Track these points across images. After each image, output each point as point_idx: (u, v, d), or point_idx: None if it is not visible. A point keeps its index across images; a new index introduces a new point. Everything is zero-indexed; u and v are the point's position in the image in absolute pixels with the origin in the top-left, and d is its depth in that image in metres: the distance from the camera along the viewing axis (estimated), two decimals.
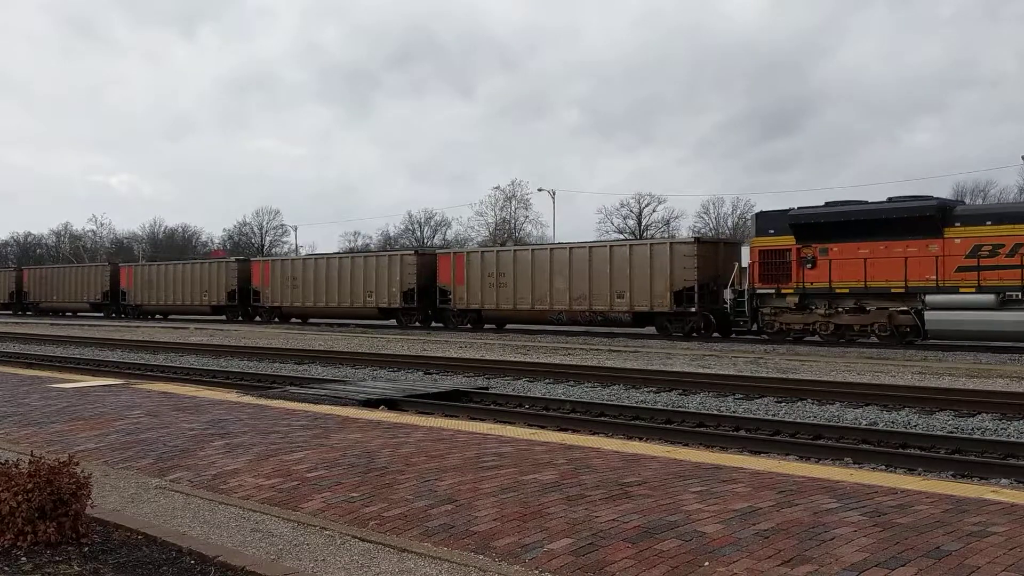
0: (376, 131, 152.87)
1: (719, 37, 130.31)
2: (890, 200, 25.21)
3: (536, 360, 20.57)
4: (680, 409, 12.69)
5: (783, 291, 26.30)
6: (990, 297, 22.45)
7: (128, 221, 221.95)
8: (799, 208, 26.60)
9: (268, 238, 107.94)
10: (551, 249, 34.19)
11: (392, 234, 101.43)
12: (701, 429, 11.04)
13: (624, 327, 31.92)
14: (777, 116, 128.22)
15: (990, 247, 22.83)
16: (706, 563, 4.57)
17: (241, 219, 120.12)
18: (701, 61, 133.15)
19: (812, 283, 25.67)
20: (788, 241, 26.20)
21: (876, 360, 20.36)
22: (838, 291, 25.22)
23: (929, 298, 23.57)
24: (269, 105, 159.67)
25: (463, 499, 6.02)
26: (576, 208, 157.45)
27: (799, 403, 13.24)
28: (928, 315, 23.59)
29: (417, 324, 38.27)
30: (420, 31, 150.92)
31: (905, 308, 24.28)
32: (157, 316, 51.61)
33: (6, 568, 4.69)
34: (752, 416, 12.01)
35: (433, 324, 38.28)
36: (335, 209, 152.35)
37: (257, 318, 45.34)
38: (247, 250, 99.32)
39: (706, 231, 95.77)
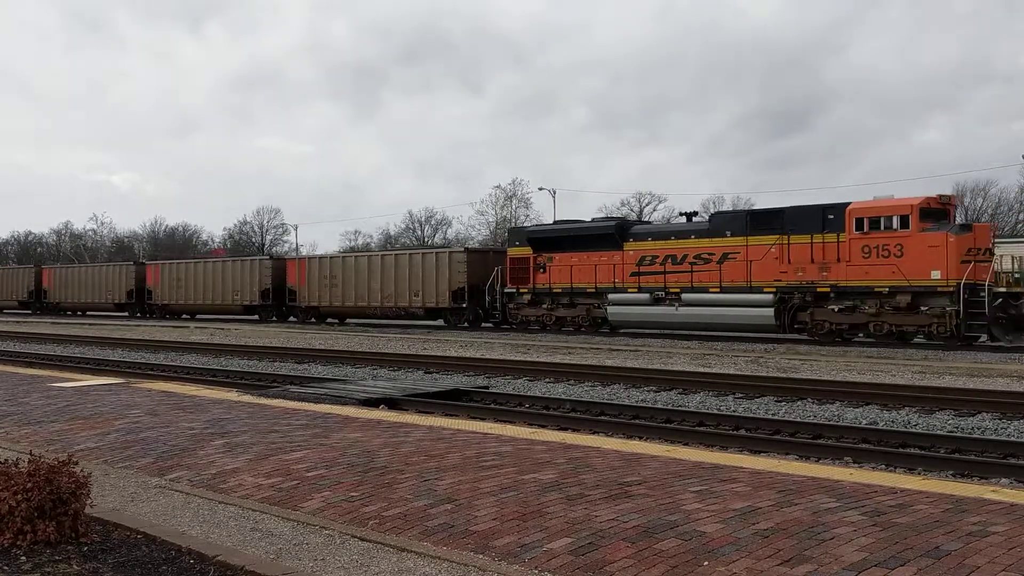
0: (383, 129, 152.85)
1: (733, 33, 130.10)
2: (593, 220, 33.79)
3: (536, 359, 20.57)
4: (680, 408, 12.70)
5: (521, 290, 33.68)
6: (646, 296, 29.79)
7: (129, 220, 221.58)
8: (534, 226, 36.24)
9: (268, 237, 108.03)
10: (368, 256, 42.46)
11: (392, 233, 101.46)
12: (701, 428, 11.04)
13: (420, 319, 38.67)
14: (788, 114, 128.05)
15: (650, 258, 30.06)
16: (705, 563, 4.57)
17: (242, 218, 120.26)
18: (714, 57, 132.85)
19: (541, 284, 33.03)
20: (528, 251, 33.47)
21: (876, 359, 20.36)
22: (556, 290, 32.66)
23: (610, 296, 30.66)
24: (275, 102, 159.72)
25: (463, 498, 6.02)
26: (582, 206, 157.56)
27: (799, 402, 13.24)
28: (609, 309, 30.68)
29: (273, 319, 44.85)
30: (430, 26, 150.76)
31: (597, 304, 31.40)
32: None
33: (5, 567, 4.69)
34: (752, 415, 12.01)
35: (290, 319, 44.55)
36: (338, 208, 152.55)
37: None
38: (247, 249, 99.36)
39: None
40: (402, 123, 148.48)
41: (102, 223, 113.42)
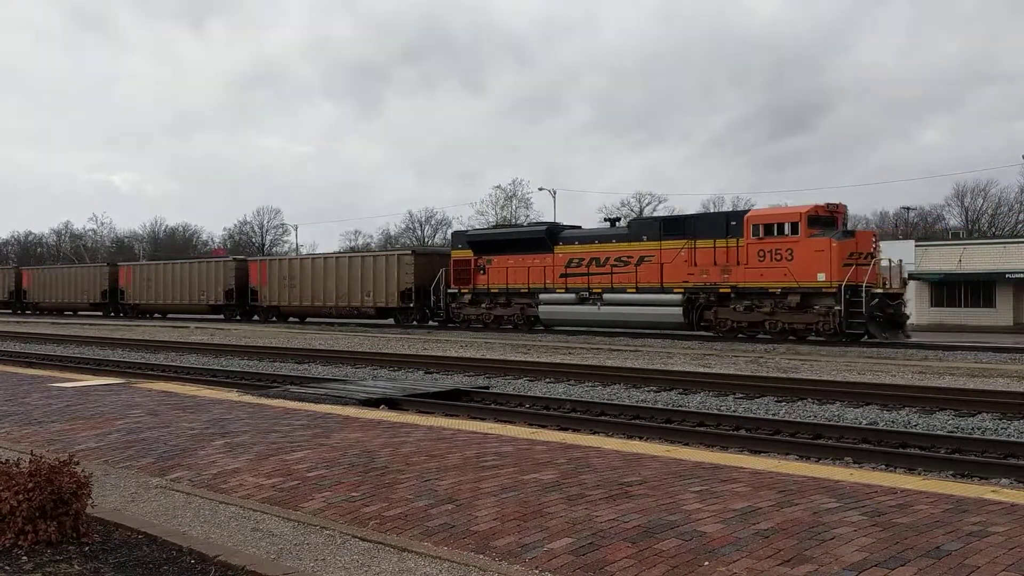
0: (384, 128, 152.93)
1: (738, 32, 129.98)
2: (528, 225, 37.69)
3: (537, 359, 20.57)
4: (680, 408, 12.70)
5: (463, 291, 35.59)
6: (572, 296, 31.83)
7: (130, 220, 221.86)
8: (473, 230, 38.91)
9: (268, 237, 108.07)
10: (324, 259, 44.51)
11: (393, 233, 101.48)
12: (701, 428, 11.04)
13: (371, 318, 41.05)
14: (791, 113, 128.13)
15: (576, 261, 32.09)
16: (706, 563, 4.58)
17: (242, 218, 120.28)
18: (718, 56, 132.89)
19: (481, 285, 35.03)
20: (469, 254, 35.42)
21: (876, 359, 20.37)
22: (493, 291, 34.67)
23: (541, 296, 32.85)
24: (276, 102, 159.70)
25: (463, 498, 6.02)
26: (583, 206, 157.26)
27: (799, 402, 13.24)
28: (540, 308, 32.92)
29: (238, 318, 46.68)
30: (432, 24, 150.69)
31: (530, 303, 33.47)
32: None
33: (7, 567, 4.70)
34: (752, 415, 12.01)
35: (254, 318, 46.34)
36: (338, 208, 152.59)
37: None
38: (247, 249, 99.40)
39: None
40: (403, 122, 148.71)
41: (102, 223, 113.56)
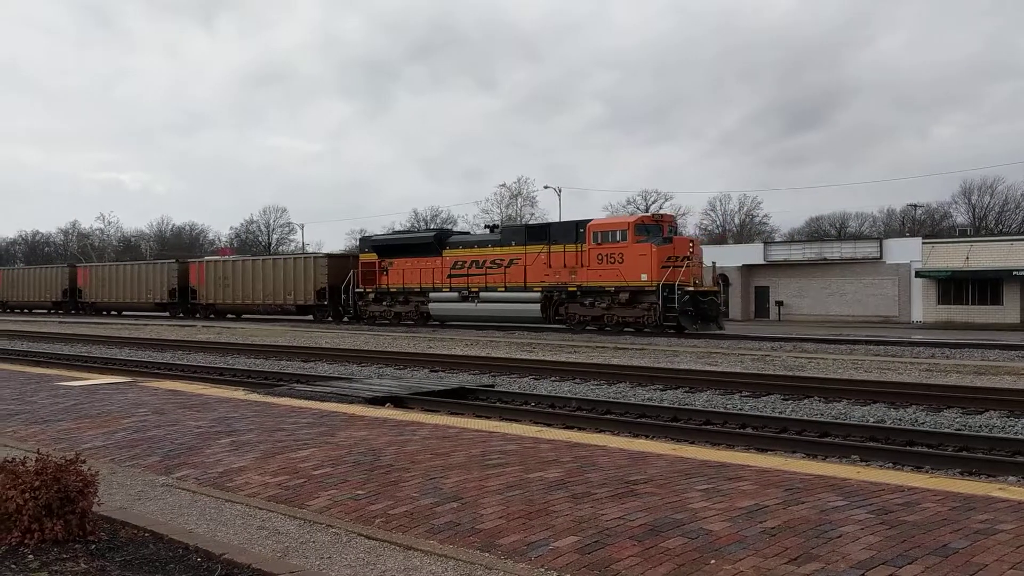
0: (393, 126, 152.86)
1: (750, 27, 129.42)
2: (421, 231, 42.54)
3: (542, 358, 20.56)
4: (686, 407, 12.68)
5: (368, 290, 39.94)
6: (456, 294, 36.04)
7: (137, 219, 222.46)
8: (376, 236, 42.74)
9: (275, 236, 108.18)
10: (252, 261, 49.08)
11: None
12: (707, 427, 11.01)
13: (293, 315, 45.93)
14: (803, 110, 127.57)
15: (460, 263, 36.19)
16: (712, 561, 4.56)
17: (248, 217, 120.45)
18: (730, 52, 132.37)
19: (383, 285, 39.35)
20: (374, 257, 39.81)
21: (883, 357, 20.32)
22: (393, 290, 39.01)
23: (431, 295, 37.17)
24: (285, 99, 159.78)
25: (468, 497, 6.02)
26: (590, 204, 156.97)
27: (805, 401, 13.21)
28: (431, 306, 37.35)
29: (181, 316, 50.35)
30: (442, 21, 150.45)
31: (423, 301, 37.73)
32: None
33: (13, 565, 4.70)
34: (758, 414, 11.99)
35: (196, 315, 50.05)
36: (345, 206, 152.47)
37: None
38: (254, 248, 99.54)
39: (712, 228, 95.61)
40: (412, 120, 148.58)
41: (109, 222, 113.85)
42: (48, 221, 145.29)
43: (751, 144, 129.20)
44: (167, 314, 51.71)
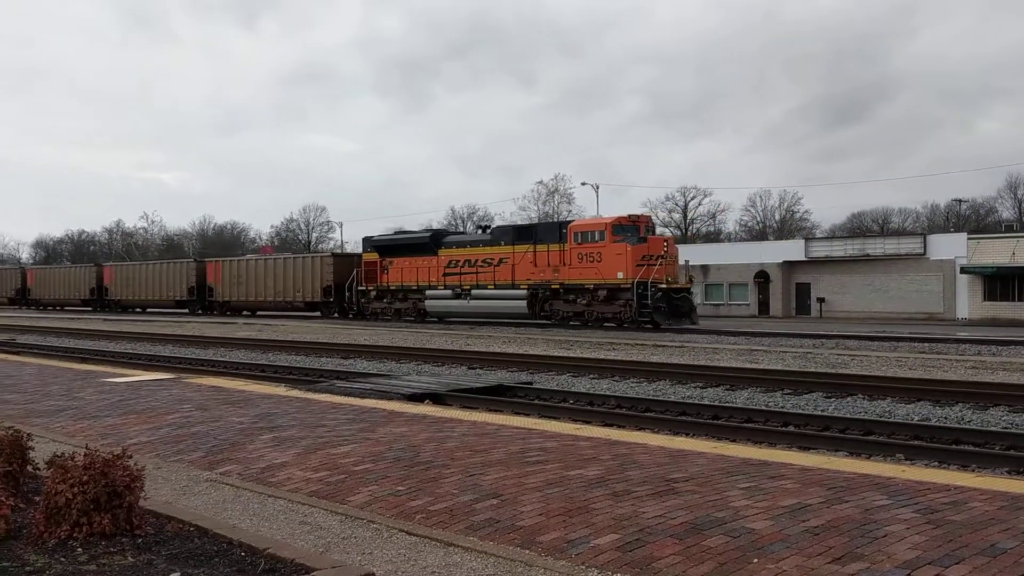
0: (432, 124, 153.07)
1: (795, 19, 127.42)
2: (418, 232, 42.91)
3: (580, 355, 20.52)
4: (727, 404, 12.58)
5: (370, 288, 42.20)
6: (450, 292, 38.08)
7: (179, 217, 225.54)
8: (377, 236, 43.70)
9: (314, 234, 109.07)
10: (264, 260, 51.43)
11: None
12: (748, 425, 10.92)
13: (301, 311, 47.94)
14: (847, 103, 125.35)
15: (454, 262, 38.15)
16: (755, 560, 4.52)
17: (289, 215, 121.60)
18: (774, 45, 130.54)
19: (384, 283, 41.52)
20: (376, 257, 41.98)
21: (928, 355, 19.99)
22: (392, 288, 41.19)
23: (427, 292, 39.15)
24: (325, 98, 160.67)
25: (508, 494, 6.02)
26: (628, 200, 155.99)
27: (848, 399, 13.04)
28: (427, 303, 39.27)
29: (199, 312, 52.27)
30: (482, 17, 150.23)
31: (421, 298, 39.68)
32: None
33: (63, 559, 4.79)
34: (800, 412, 11.86)
35: (213, 312, 51.72)
36: (384, 204, 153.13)
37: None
38: (294, 246, 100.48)
39: (752, 224, 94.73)
40: (450, 118, 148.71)
41: (152, 221, 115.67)
42: (93, 220, 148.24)
43: (793, 139, 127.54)
44: (187, 311, 53.60)
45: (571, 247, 33.81)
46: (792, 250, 56.38)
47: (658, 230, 46.33)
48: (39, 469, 6.02)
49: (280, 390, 12.59)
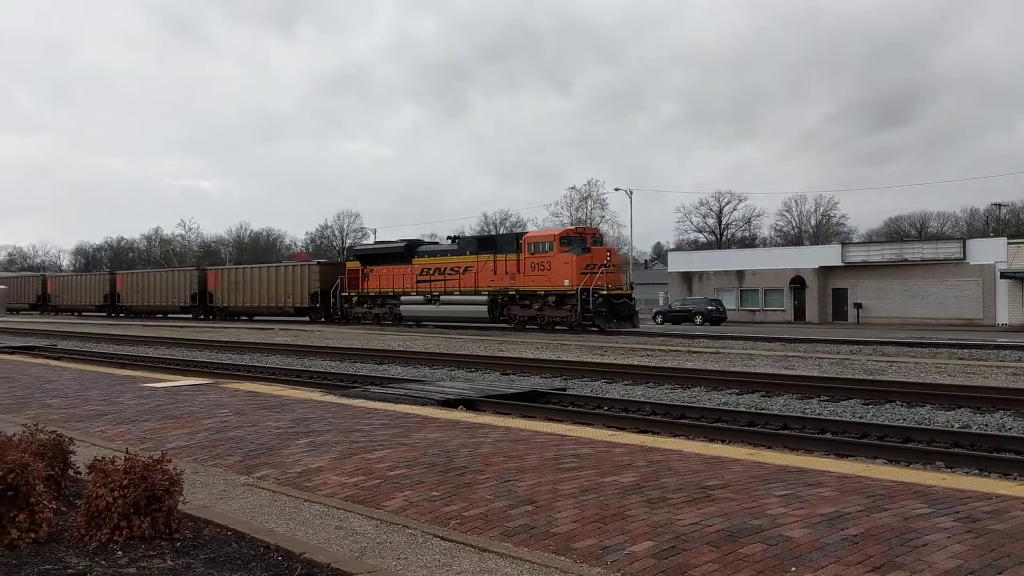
0: (466, 130, 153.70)
1: (833, 21, 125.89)
2: (395, 242, 45.82)
3: (613, 361, 20.45)
4: (763, 411, 12.46)
5: (352, 295, 45.61)
6: (422, 297, 41.68)
7: (216, 224, 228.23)
8: (360, 245, 50.39)
9: (348, 240, 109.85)
10: (258, 268, 55.53)
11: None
12: (785, 431, 10.80)
13: (291, 316, 51.55)
14: (886, 106, 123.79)
15: (426, 270, 41.78)
16: (792, 568, 4.48)
17: (324, 222, 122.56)
18: (812, 48, 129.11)
19: (365, 290, 44.97)
20: (358, 265, 45.60)
21: (968, 361, 19.68)
22: (372, 294, 44.60)
23: (403, 298, 42.83)
24: (360, 105, 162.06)
25: (542, 500, 6.02)
26: (663, 206, 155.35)
27: (887, 405, 12.87)
28: (402, 307, 42.85)
29: (201, 317, 56.34)
30: (517, 22, 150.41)
31: (396, 304, 43.19)
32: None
33: (103, 562, 4.86)
34: (838, 418, 11.72)
35: (211, 316, 56.11)
36: (417, 210, 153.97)
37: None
38: (328, 252, 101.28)
39: (788, 230, 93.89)
40: (485, 123, 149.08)
41: (190, 228, 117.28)
42: (132, 227, 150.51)
43: (831, 142, 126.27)
44: (190, 316, 57.33)
45: (525, 256, 37.52)
46: (829, 255, 55.83)
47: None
48: (79, 473, 6.11)
49: (316, 395, 12.68)
